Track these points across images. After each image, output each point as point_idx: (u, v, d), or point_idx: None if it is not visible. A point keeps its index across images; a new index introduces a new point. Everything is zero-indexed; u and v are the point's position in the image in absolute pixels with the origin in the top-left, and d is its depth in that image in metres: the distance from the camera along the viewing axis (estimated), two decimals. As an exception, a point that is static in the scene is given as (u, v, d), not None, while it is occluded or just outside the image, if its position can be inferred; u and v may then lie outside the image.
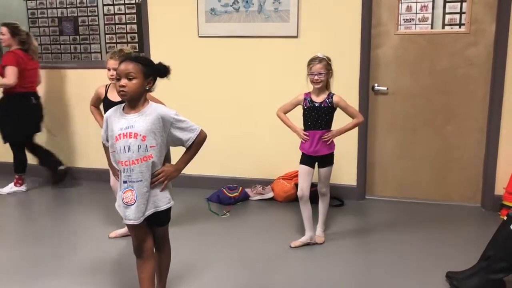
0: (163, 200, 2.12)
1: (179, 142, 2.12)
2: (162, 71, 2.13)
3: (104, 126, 2.16)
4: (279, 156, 4.12)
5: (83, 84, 4.42)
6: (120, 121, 2.06)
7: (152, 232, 2.21)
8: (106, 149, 2.24)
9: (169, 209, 2.18)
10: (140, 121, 2.03)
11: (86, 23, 4.59)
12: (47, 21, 4.71)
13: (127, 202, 2.06)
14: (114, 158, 2.12)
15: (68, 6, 4.59)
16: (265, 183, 4.16)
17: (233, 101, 4.16)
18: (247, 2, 3.96)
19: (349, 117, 3.06)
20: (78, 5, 4.57)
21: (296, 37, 3.92)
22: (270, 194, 4.07)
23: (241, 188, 4.06)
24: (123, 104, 2.12)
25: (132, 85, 2.01)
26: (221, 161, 4.22)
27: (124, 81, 2.01)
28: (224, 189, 4.02)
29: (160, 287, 2.36)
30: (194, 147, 2.13)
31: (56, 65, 4.62)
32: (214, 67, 4.15)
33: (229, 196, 3.97)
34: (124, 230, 3.25)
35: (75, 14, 4.60)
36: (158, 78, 2.14)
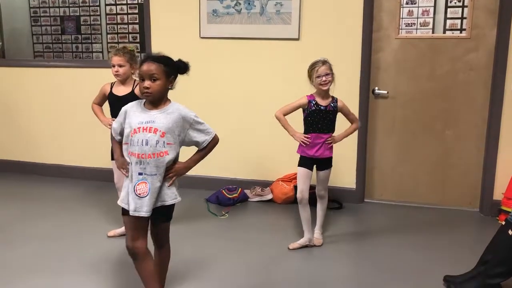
0: (170, 195, 2.16)
1: (194, 143, 2.19)
2: (182, 68, 2.19)
3: (121, 119, 2.18)
4: (278, 158, 4.12)
5: (84, 83, 4.42)
6: (140, 115, 2.11)
7: (155, 230, 2.23)
8: (114, 142, 2.26)
9: (172, 206, 2.21)
10: (161, 118, 2.08)
11: (88, 23, 4.60)
12: (49, 20, 4.73)
13: (139, 194, 2.08)
14: (126, 151, 2.14)
15: (70, 5, 4.61)
16: (264, 184, 4.17)
17: (233, 103, 4.17)
18: (249, 4, 3.97)
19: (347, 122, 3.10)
20: (81, 4, 4.58)
21: (297, 39, 3.93)
22: (269, 196, 4.08)
23: (240, 189, 4.07)
24: (143, 100, 2.17)
25: (156, 86, 2.07)
26: (220, 162, 4.22)
27: (148, 83, 2.06)
28: (223, 190, 4.03)
29: (159, 286, 2.36)
30: (206, 149, 2.22)
31: (58, 64, 4.63)
32: (215, 68, 4.16)
33: (228, 197, 3.98)
34: (123, 229, 3.26)
35: (78, 13, 4.62)
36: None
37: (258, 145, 4.18)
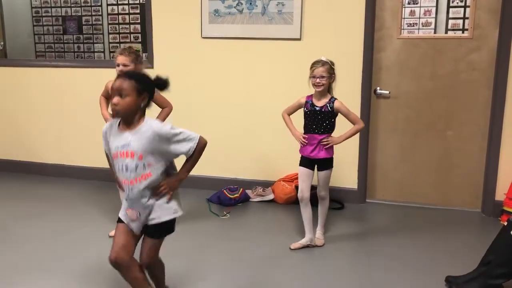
0: (166, 211, 2.09)
1: (180, 153, 2.08)
2: (161, 84, 2.08)
3: (103, 140, 2.14)
4: (280, 158, 4.12)
5: (86, 83, 4.43)
6: (116, 138, 2.03)
7: (146, 244, 2.15)
8: (109, 158, 2.21)
9: (171, 221, 2.13)
10: (135, 140, 1.98)
11: (90, 23, 4.60)
12: (51, 20, 4.73)
13: (131, 218, 2.09)
14: (116, 173, 2.10)
15: (72, 5, 4.62)
16: (266, 184, 4.16)
17: (234, 103, 4.16)
18: (250, 3, 3.97)
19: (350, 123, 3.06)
20: (82, 4, 4.58)
21: (299, 39, 3.92)
22: (271, 196, 4.07)
23: (241, 189, 4.06)
24: (119, 120, 2.05)
25: (124, 103, 1.95)
26: (222, 162, 4.22)
27: (116, 99, 1.95)
28: (224, 190, 4.02)
29: None
30: (195, 155, 2.09)
31: (59, 64, 4.63)
32: (217, 68, 4.16)
33: (229, 197, 3.97)
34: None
35: (79, 13, 4.62)
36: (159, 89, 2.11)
37: (259, 145, 4.18)
